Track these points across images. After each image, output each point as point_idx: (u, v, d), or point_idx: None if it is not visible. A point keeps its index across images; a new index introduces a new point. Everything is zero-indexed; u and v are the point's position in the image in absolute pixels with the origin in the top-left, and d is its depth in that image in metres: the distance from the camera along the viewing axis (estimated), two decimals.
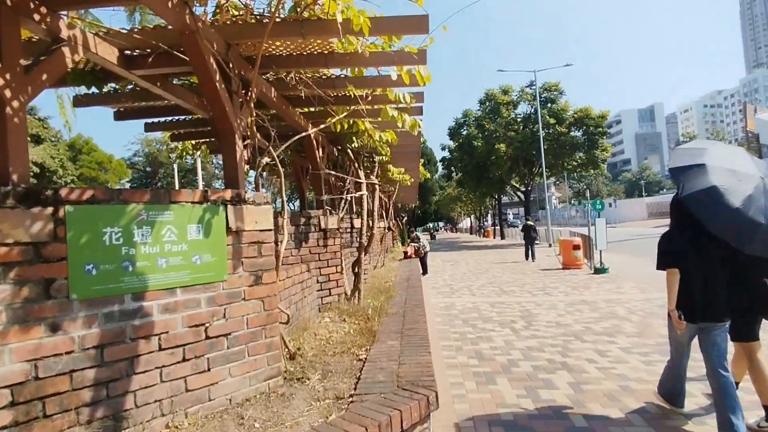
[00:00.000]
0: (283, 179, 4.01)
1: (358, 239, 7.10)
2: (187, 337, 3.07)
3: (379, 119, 6.44)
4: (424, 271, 15.34)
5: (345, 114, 5.35)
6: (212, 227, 3.26)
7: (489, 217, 64.52)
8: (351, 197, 7.76)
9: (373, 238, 7.26)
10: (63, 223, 2.59)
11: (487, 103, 34.68)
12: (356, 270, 7.03)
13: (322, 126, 5.31)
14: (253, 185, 3.82)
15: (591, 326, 7.85)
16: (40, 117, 40.23)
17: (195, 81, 5.05)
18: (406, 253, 16.53)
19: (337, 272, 6.62)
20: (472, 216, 65.40)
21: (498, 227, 46.16)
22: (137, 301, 2.87)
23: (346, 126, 5.88)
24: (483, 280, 14.59)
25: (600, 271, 14.52)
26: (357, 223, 8.57)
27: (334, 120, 5.08)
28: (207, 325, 3.18)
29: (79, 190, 2.68)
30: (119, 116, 5.77)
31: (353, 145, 6.98)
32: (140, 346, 2.84)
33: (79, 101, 5.05)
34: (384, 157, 7.73)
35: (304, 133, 5.11)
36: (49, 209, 2.56)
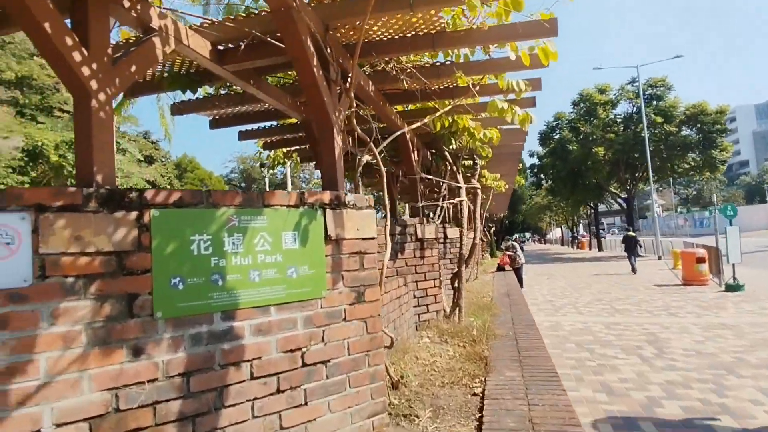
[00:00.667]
0: (385, 179, 3.49)
1: (459, 250, 6.42)
2: (281, 364, 2.60)
3: (484, 114, 5.74)
4: (520, 285, 14.16)
5: (447, 108, 4.75)
6: (309, 235, 2.80)
7: (581, 227, 60.21)
8: (447, 205, 7.12)
9: (475, 248, 6.55)
10: (148, 230, 2.25)
11: (582, 105, 32.17)
12: (456, 284, 6.34)
13: (420, 123, 4.74)
14: (351, 187, 3.32)
15: (743, 357, 6.42)
16: (153, 140, 44.71)
17: (288, 80, 4.75)
18: (499, 264, 15.45)
19: (435, 286, 5.99)
20: (563, 226, 61.43)
21: (594, 238, 42.68)
22: (227, 321, 2.45)
23: (446, 124, 5.28)
24: (588, 296, 13.10)
25: (733, 288, 12.36)
26: (451, 233, 7.89)
27: (437, 115, 4.50)
28: (304, 350, 2.70)
29: (166, 192, 2.33)
30: (214, 124, 5.68)
31: (451, 147, 6.35)
32: (230, 374, 2.42)
33: (176, 109, 4.98)
34: (486, 159, 7.01)
35: (400, 131, 4.58)
36: (134, 214, 2.22)
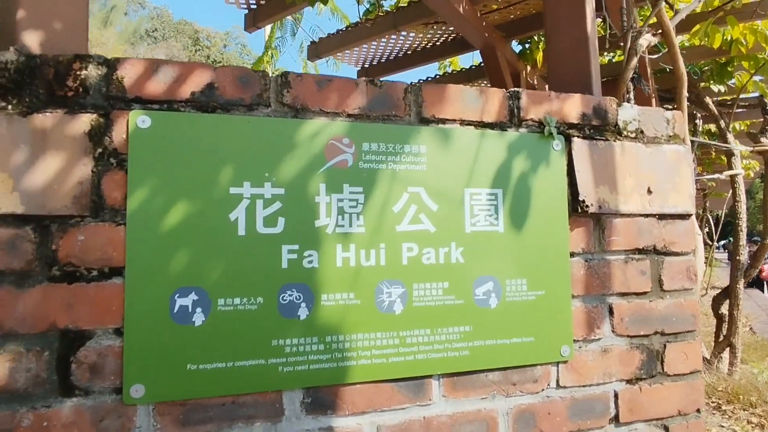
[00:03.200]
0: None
1: (733, 254, 3.95)
2: None
3: None
4: None
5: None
6: (530, 198, 1.10)
7: None
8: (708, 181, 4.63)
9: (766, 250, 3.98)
10: (122, 165, 0.84)
11: None
12: (726, 310, 3.91)
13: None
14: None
15: None
16: None
17: None
18: (760, 276, 11.32)
19: None
20: None
21: None
22: (321, 418, 0.91)
23: (734, 35, 2.98)
24: None
25: None
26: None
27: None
28: None
29: (171, 66, 0.89)
30: (363, 74, 4.34)
31: (719, 88, 3.92)
32: None
33: (314, 51, 3.75)
34: None
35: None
36: (88, 117, 0.83)
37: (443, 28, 3.33)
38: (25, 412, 0.82)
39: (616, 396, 1.14)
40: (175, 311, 0.88)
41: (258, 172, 0.93)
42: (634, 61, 1.44)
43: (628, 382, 1.15)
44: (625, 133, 1.21)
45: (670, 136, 1.26)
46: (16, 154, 0.82)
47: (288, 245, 0.94)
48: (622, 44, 1.56)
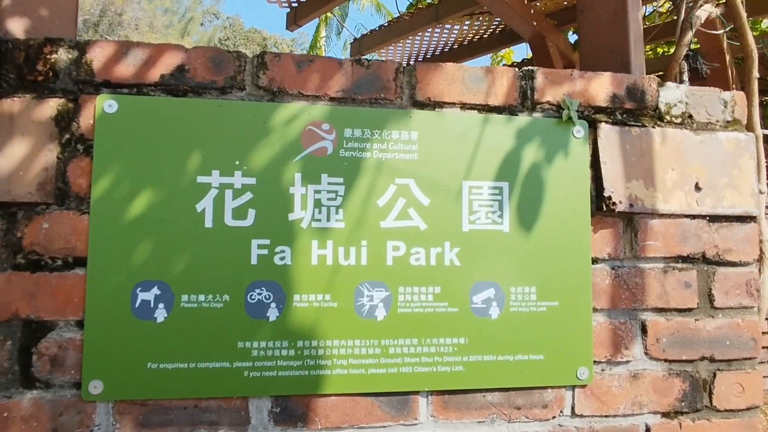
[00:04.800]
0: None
1: None
2: None
3: None
4: None
5: None
6: (544, 193, 0.95)
7: None
8: None
9: None
10: (87, 152, 0.81)
11: None
12: None
13: None
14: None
15: None
16: None
17: None
18: None
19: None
20: None
21: None
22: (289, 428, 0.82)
23: None
24: None
25: None
26: None
27: None
28: None
29: (142, 48, 0.85)
30: None
31: None
32: None
33: (356, 48, 3.70)
34: None
35: None
36: (55, 102, 0.81)
37: (489, 18, 3.15)
38: None
39: (647, 430, 0.95)
40: (136, 306, 0.83)
41: (228, 160, 0.86)
42: (689, 36, 1.22)
43: (665, 415, 0.96)
44: (667, 117, 1.02)
45: (728, 122, 1.04)
46: None
47: (258, 239, 0.86)
48: (675, 17, 1.34)
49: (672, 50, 3.48)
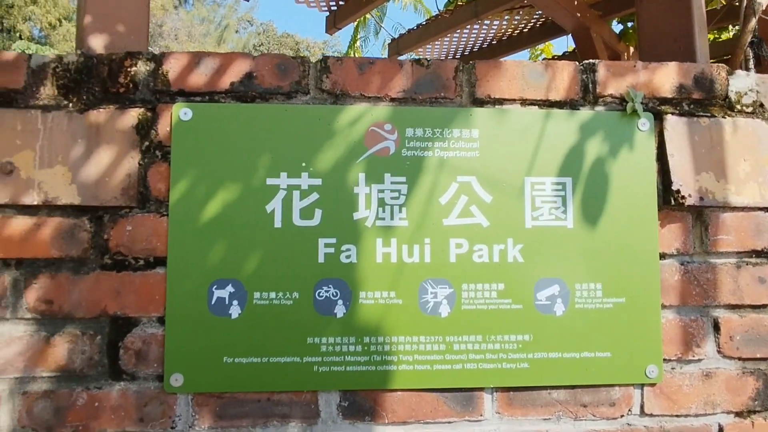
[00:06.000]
0: None
1: None
2: None
3: None
4: None
5: None
6: (608, 188, 0.93)
7: None
8: None
9: None
10: (165, 157, 0.87)
11: None
12: None
13: None
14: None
15: None
16: None
17: None
18: None
19: None
20: None
21: None
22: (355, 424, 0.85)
23: None
24: None
25: None
26: None
27: None
28: None
29: (212, 57, 0.89)
30: None
31: None
32: None
33: (394, 48, 3.71)
34: None
35: None
36: (135, 112, 0.87)
37: (529, 12, 3.09)
38: (81, 392, 0.86)
39: (720, 430, 0.92)
40: (212, 303, 0.87)
41: (295, 162, 0.89)
42: (753, 22, 1.17)
43: (738, 414, 0.93)
44: (738, 107, 0.98)
45: None
46: (74, 148, 0.87)
47: (325, 238, 0.89)
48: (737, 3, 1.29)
49: (723, 36, 3.33)
